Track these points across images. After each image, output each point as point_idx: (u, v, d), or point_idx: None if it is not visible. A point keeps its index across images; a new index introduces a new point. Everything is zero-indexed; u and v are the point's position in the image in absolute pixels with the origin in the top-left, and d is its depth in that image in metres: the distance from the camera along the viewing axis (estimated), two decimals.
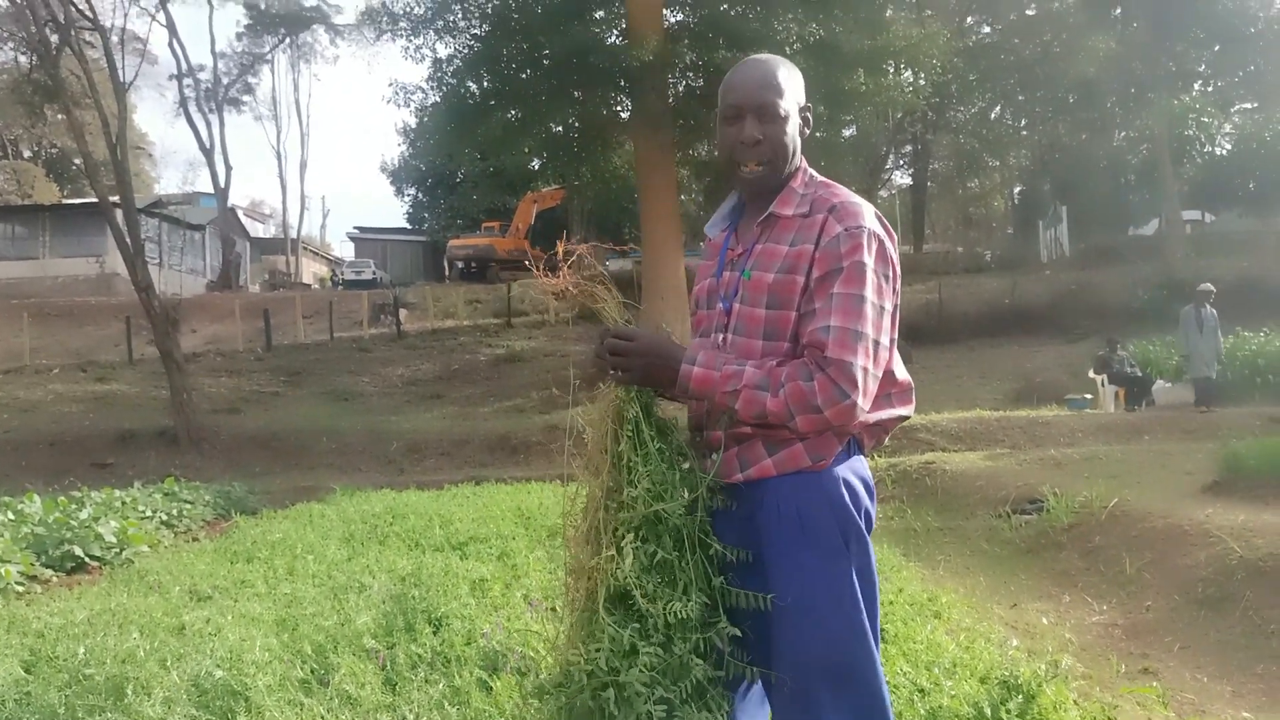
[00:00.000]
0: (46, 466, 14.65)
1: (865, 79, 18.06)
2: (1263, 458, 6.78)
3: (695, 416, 2.03)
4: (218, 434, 16.72)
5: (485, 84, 20.99)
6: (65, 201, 39.98)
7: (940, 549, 6.99)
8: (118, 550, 7.31)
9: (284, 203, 67.55)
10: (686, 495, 1.89)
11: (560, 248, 2.06)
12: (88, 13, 18.45)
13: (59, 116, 34.41)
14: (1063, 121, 32.83)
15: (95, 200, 19.21)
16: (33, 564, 6.58)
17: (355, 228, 56.53)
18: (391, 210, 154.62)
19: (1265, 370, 14.00)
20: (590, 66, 17.98)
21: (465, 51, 21.28)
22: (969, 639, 4.21)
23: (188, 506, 9.54)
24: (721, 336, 1.98)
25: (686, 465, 1.95)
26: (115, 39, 20.79)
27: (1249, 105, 32.06)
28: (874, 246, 1.86)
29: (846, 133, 23.96)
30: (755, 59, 2.02)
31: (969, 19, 34.11)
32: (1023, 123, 35.96)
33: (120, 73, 18.79)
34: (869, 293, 1.83)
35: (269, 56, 47.90)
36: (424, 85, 22.36)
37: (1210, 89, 31.80)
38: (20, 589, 6.15)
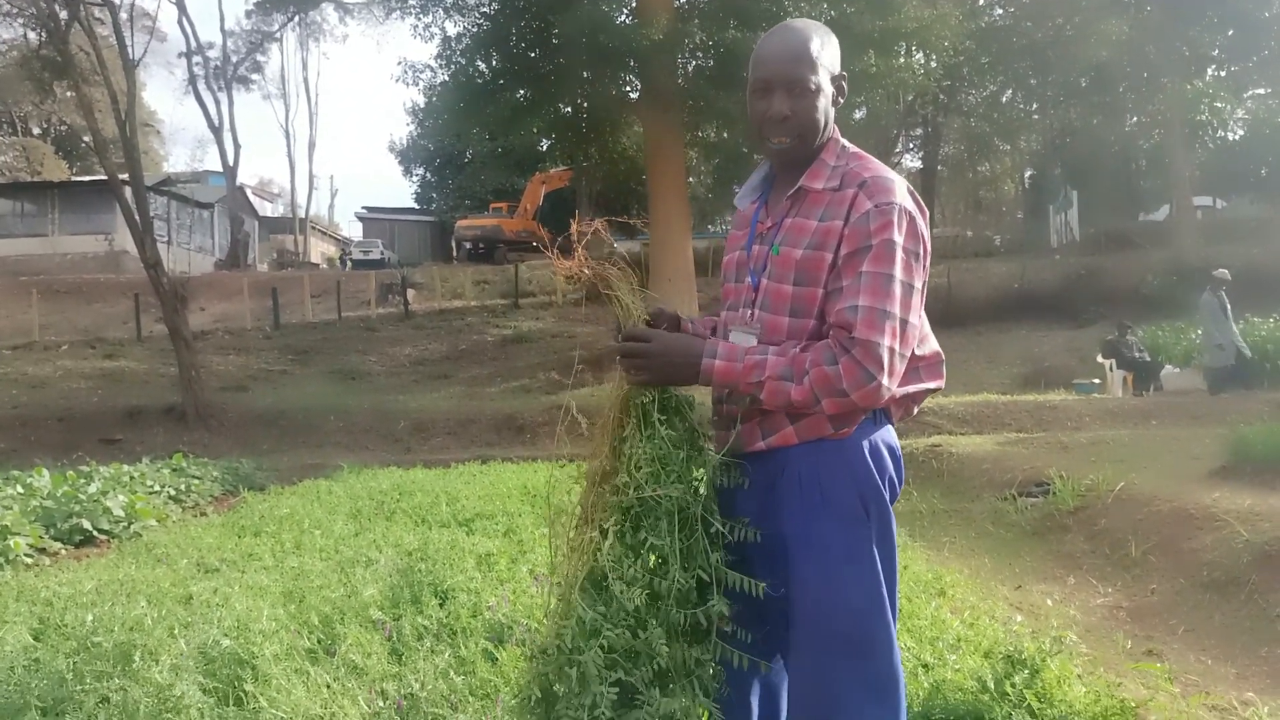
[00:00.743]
0: (55, 442, 14.70)
1: (876, 60, 17.90)
2: (1270, 443, 6.72)
3: (717, 389, 2.02)
4: (226, 411, 16.78)
5: (494, 63, 20.95)
6: (74, 179, 39.97)
7: (946, 531, 6.98)
8: (126, 524, 7.35)
9: (292, 182, 67.46)
10: (697, 475, 1.90)
11: (574, 228, 2.04)
12: None
13: (68, 93, 34.32)
14: (1074, 106, 32.54)
15: (104, 178, 19.16)
16: (41, 537, 6.63)
17: (363, 207, 56.68)
18: (400, 190, 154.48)
19: (1275, 356, 13.95)
20: (600, 46, 17.86)
21: (474, 30, 21.24)
22: (973, 616, 4.22)
23: (196, 482, 9.57)
24: (749, 312, 1.97)
25: (701, 444, 1.95)
26: (125, 15, 20.69)
27: (1262, 90, 31.73)
28: (904, 223, 1.83)
29: (857, 115, 23.78)
30: (788, 26, 1.97)
31: (981, 1, 33.83)
32: (1034, 106, 35.66)
33: (130, 49, 18.66)
34: (898, 271, 1.81)
35: (278, 34, 47.63)
36: (433, 64, 22.30)
37: (1223, 74, 31.44)
38: (29, 560, 6.19)
